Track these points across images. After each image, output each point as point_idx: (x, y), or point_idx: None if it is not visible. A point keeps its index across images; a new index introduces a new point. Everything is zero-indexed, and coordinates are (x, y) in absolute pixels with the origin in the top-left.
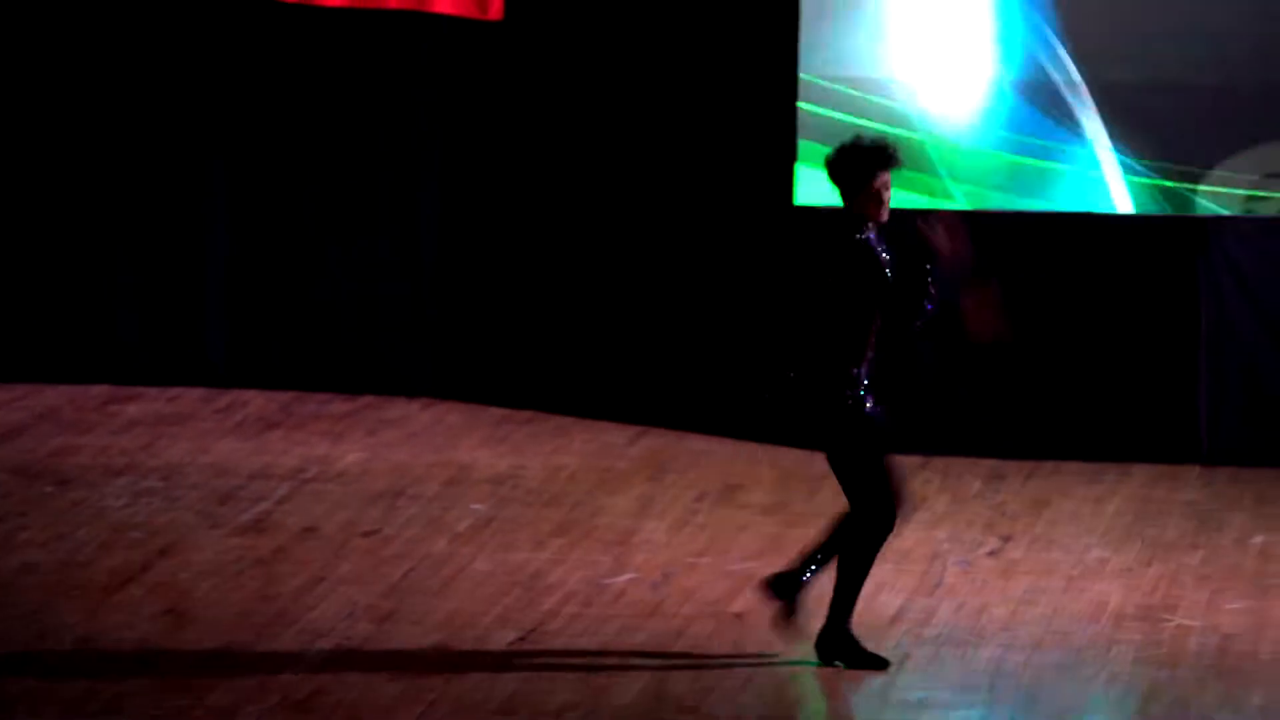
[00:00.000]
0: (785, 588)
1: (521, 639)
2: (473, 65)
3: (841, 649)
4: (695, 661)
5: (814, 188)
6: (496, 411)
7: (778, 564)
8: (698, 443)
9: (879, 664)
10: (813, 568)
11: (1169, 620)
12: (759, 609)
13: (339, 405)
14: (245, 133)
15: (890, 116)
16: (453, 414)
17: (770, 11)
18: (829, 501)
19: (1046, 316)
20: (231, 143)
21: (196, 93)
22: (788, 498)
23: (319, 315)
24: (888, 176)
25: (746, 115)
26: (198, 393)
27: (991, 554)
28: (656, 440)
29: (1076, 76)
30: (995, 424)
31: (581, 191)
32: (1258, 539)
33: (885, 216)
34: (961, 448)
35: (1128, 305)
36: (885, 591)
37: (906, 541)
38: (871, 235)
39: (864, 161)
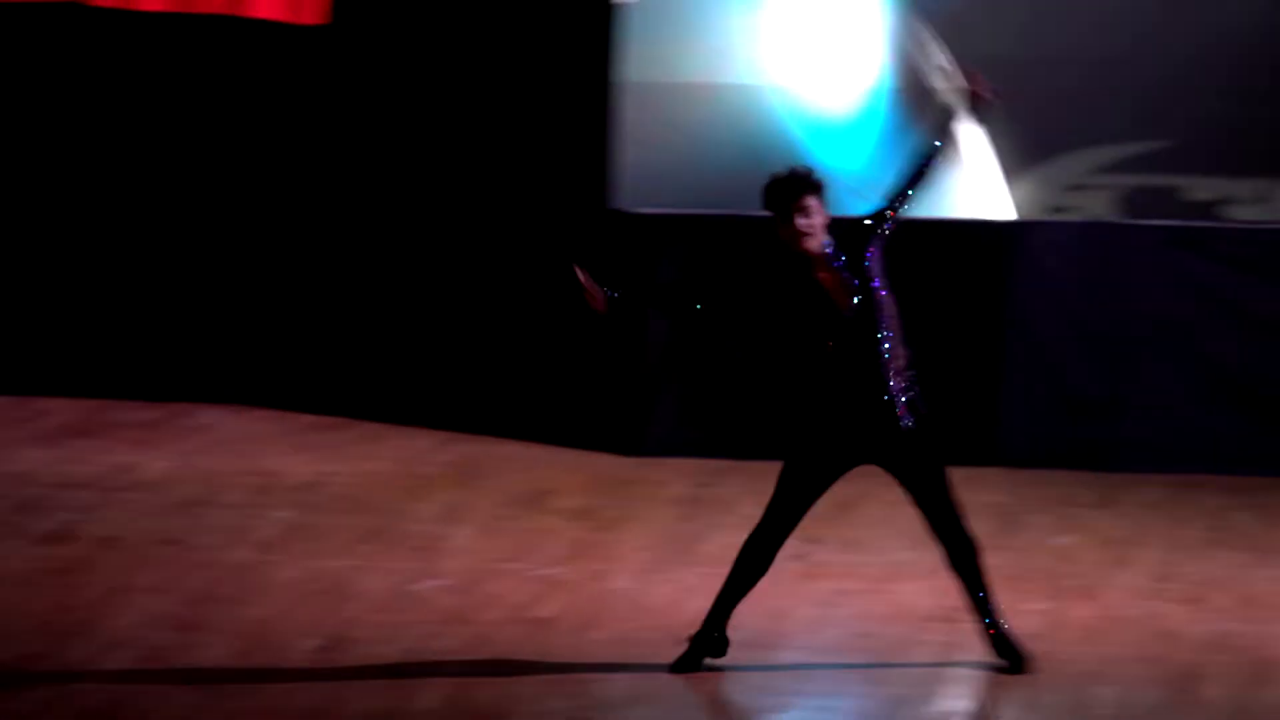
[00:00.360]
0: (1005, 651)
1: (326, 646)
2: (299, 64)
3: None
4: (500, 667)
5: (636, 190)
6: (305, 418)
7: (585, 569)
8: (507, 448)
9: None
10: (987, 615)
11: (969, 622)
12: (566, 614)
13: (145, 413)
14: (63, 135)
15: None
16: (261, 421)
17: (588, 14)
18: (638, 507)
19: None
20: (45, 145)
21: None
22: (596, 503)
23: (125, 321)
24: (802, 205)
25: (562, 119)
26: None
27: (796, 557)
28: (466, 446)
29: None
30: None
31: (394, 196)
32: (1059, 540)
33: (809, 246)
34: (769, 452)
35: (934, 308)
36: (693, 596)
37: (712, 545)
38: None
39: (770, 197)
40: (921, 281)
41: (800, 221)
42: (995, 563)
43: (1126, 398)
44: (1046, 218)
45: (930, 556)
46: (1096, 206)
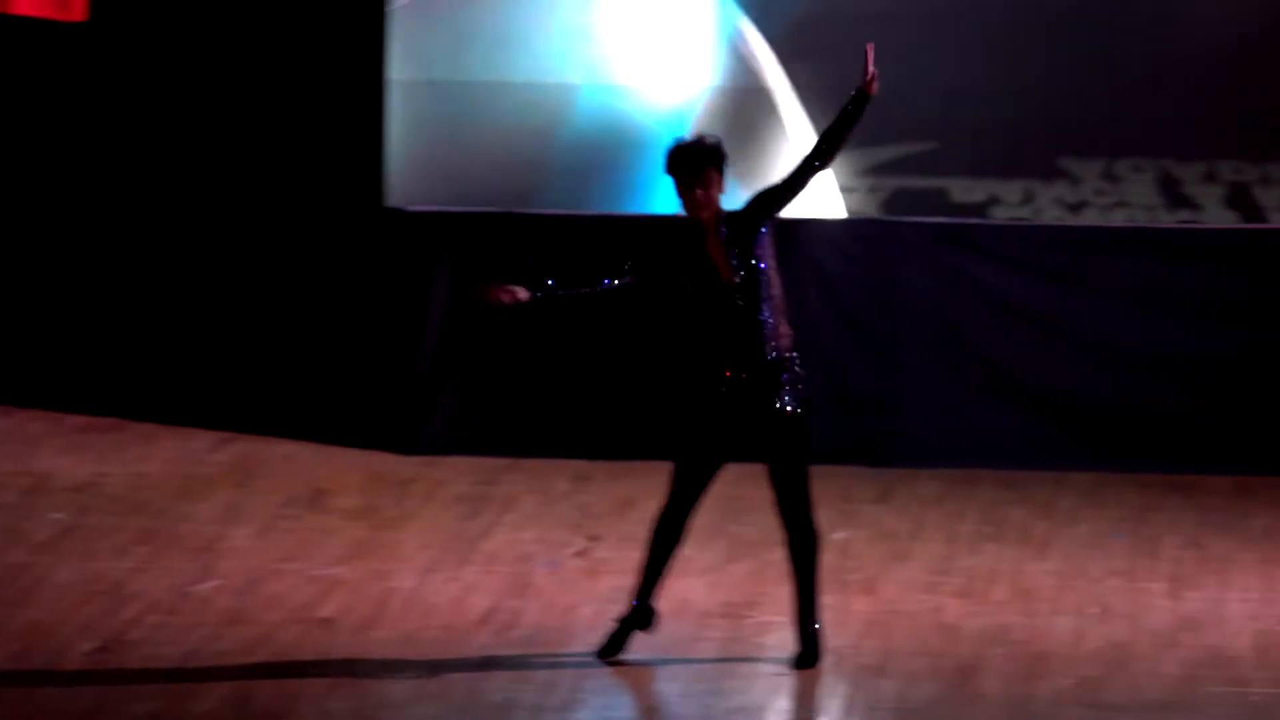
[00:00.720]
0: (808, 647)
1: (103, 648)
2: (45, 64)
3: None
4: (281, 668)
5: (411, 188)
6: (78, 419)
7: (366, 569)
8: (284, 447)
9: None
10: (809, 610)
11: (750, 617)
12: (347, 614)
13: None
14: None
15: (510, 117)
16: (33, 422)
17: (359, 13)
18: (418, 505)
19: (632, 319)
20: None
21: None
22: (375, 502)
23: None
24: (702, 176)
25: (335, 117)
26: None
27: (579, 554)
28: (243, 446)
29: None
30: (581, 425)
31: (166, 194)
32: (839, 535)
33: (704, 215)
34: (549, 449)
35: None
36: (473, 594)
37: (493, 543)
38: (708, 236)
39: (672, 163)
40: None
41: (698, 192)
42: (774, 558)
43: (902, 393)
44: (819, 215)
45: (710, 553)
46: (866, 208)
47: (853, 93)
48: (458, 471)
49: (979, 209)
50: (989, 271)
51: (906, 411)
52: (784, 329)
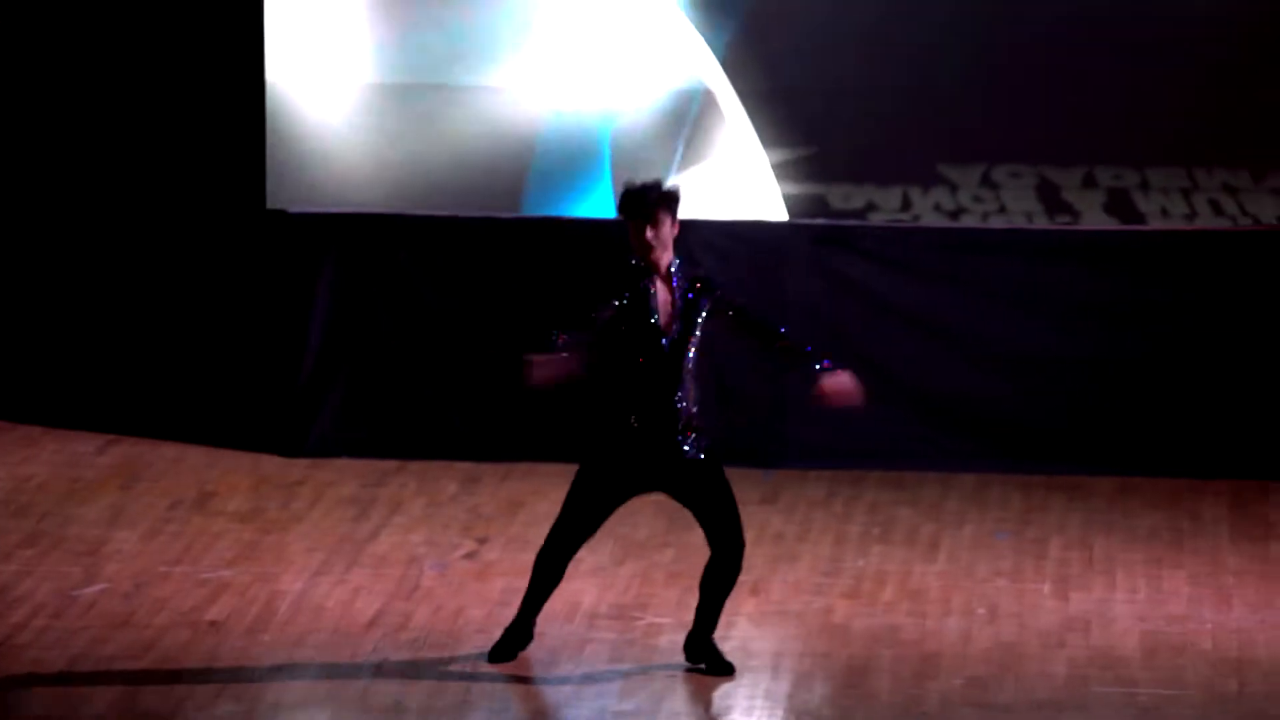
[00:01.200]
0: (709, 658)
1: None
2: None
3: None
4: (169, 672)
5: (289, 190)
6: None
7: (254, 571)
8: (170, 450)
9: (729, 670)
10: (710, 625)
11: (640, 618)
12: (235, 617)
13: None
14: None
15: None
16: None
17: (240, 13)
18: (306, 508)
19: (519, 318)
20: None
21: None
22: (263, 504)
23: None
24: (654, 218)
25: (218, 119)
26: None
27: (468, 556)
28: (127, 448)
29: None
30: (469, 427)
31: (45, 197)
32: None
33: (655, 258)
34: (437, 451)
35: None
36: (361, 596)
37: (382, 546)
38: (656, 279)
39: (625, 205)
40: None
41: (648, 233)
42: (664, 560)
43: (787, 394)
44: (700, 218)
45: (598, 556)
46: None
47: (808, 367)
48: (345, 474)
49: (857, 215)
50: (871, 273)
51: (792, 413)
52: (695, 392)
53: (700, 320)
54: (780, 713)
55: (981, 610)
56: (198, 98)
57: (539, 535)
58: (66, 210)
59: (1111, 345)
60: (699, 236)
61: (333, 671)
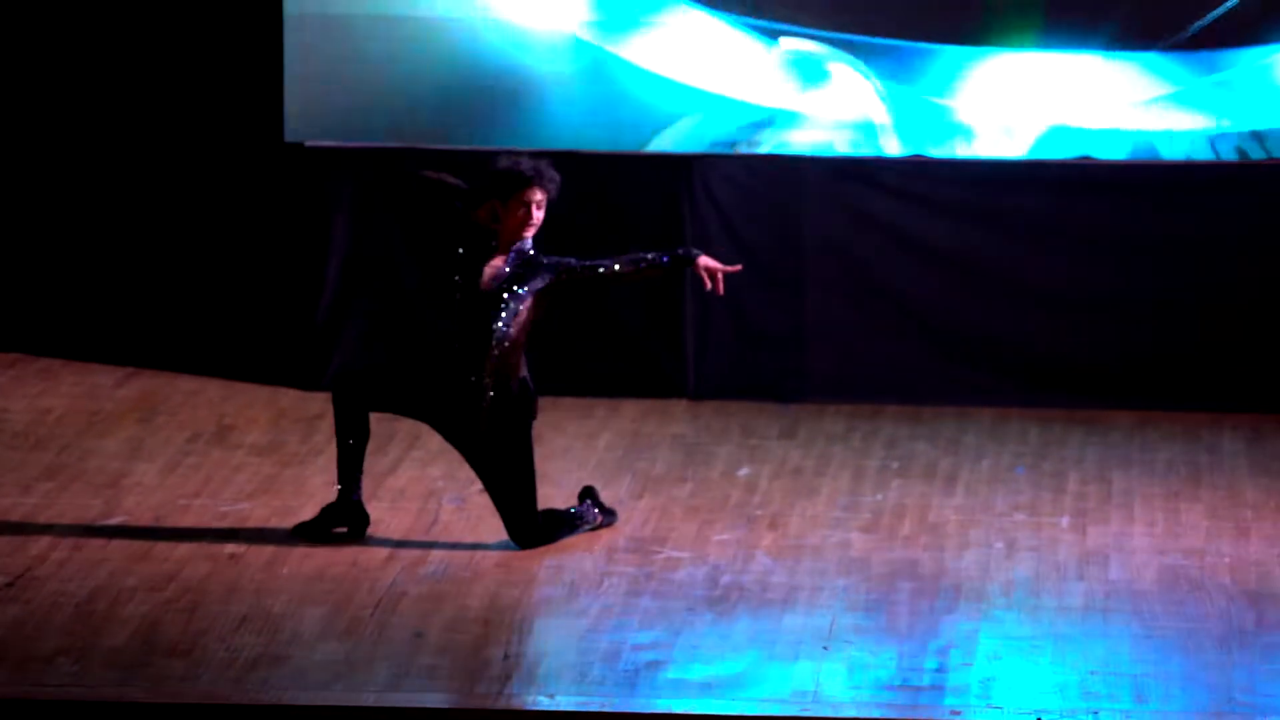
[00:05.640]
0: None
1: (10, 584)
2: None
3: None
4: (188, 603)
5: (309, 124)
6: None
7: (274, 505)
8: (189, 383)
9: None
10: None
11: (659, 552)
12: (255, 550)
13: None
14: None
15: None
16: None
17: None
18: (325, 442)
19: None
20: None
21: None
22: (282, 437)
23: None
24: (525, 199)
25: (232, 52)
26: None
27: (484, 491)
28: (146, 381)
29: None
30: None
31: (60, 131)
32: (743, 471)
33: (523, 234)
34: None
35: (618, 241)
36: (382, 528)
37: (400, 479)
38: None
39: (502, 181)
40: (599, 216)
41: (519, 213)
42: (681, 494)
43: (806, 329)
44: (717, 151)
45: (616, 488)
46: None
47: (676, 256)
48: None
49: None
50: (891, 207)
51: (811, 347)
52: (515, 359)
53: (525, 291)
54: (798, 646)
55: (1000, 544)
56: (215, 31)
57: (556, 469)
58: (85, 144)
59: (1130, 279)
60: (718, 171)
61: (352, 604)
